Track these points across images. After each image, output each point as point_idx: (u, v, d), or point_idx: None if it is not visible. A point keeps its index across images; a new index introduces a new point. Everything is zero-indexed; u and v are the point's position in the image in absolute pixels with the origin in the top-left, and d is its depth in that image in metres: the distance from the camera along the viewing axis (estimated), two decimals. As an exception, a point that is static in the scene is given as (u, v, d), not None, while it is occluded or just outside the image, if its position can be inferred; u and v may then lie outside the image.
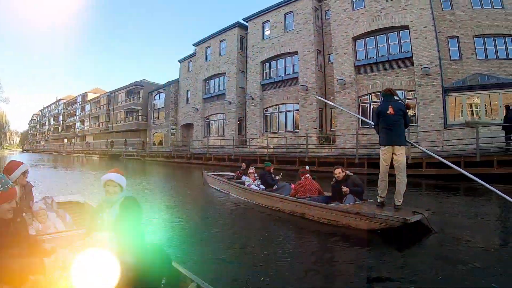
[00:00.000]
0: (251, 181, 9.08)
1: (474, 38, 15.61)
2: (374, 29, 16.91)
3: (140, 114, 38.34)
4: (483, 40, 15.55)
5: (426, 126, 14.77)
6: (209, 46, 27.87)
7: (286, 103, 21.68)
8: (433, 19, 15.22)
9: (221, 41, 26.71)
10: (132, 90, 40.60)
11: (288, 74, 21.48)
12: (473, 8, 15.78)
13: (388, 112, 5.38)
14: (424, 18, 15.33)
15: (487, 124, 13.38)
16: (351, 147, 15.73)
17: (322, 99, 11.89)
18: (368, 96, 17.51)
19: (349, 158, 14.31)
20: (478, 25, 15.58)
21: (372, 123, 6.09)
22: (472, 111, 15.04)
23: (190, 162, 23.61)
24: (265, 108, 22.88)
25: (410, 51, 15.72)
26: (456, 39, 15.88)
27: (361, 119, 15.80)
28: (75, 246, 2.17)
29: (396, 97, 5.63)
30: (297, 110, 20.69)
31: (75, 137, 55.18)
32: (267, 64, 22.97)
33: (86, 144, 47.26)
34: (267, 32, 22.75)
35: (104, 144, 40.75)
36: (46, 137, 71.08)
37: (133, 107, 39.12)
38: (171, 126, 32.26)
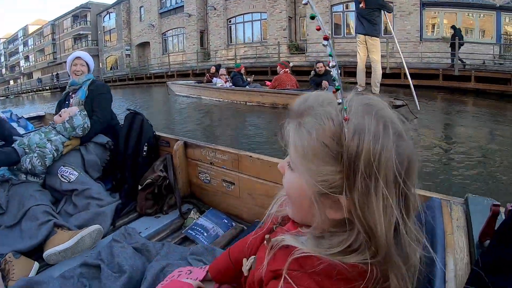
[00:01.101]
0: (223, 82, 8.92)
1: None
2: None
3: (89, 39, 33.95)
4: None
5: (403, 38, 14.31)
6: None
7: (252, 12, 20.11)
8: None
9: None
10: (78, 14, 35.34)
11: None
12: None
13: (360, 6, 5.91)
14: None
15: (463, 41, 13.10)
16: (324, 56, 15.15)
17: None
18: (342, 5, 16.64)
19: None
20: None
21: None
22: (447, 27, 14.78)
23: (150, 82, 21.64)
24: (229, 19, 21.13)
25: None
26: None
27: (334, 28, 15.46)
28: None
29: None
30: (265, 19, 19.33)
31: (22, 76, 48.51)
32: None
33: (38, 80, 41.64)
34: None
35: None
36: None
37: (81, 32, 34.24)
38: (125, 47, 29.27)
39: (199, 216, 1.83)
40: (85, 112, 2.17)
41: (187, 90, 9.99)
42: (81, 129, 2.09)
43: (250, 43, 20.23)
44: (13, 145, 1.93)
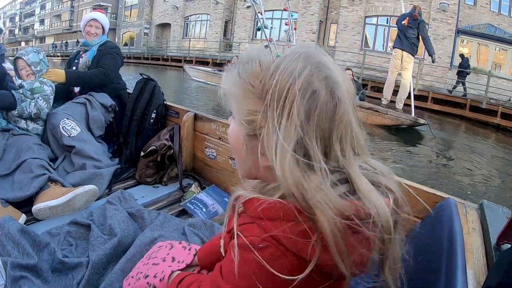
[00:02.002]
0: None
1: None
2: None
3: (109, 11, 32.97)
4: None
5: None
6: None
7: (282, 10, 19.85)
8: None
9: None
10: None
11: (289, -23, 19.19)
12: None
13: (403, 22, 6.02)
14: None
15: (493, 75, 12.59)
16: (351, 65, 14.95)
17: None
18: (376, 18, 16.41)
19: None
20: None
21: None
22: (479, 58, 14.99)
23: (166, 65, 21.14)
24: (258, 12, 20.81)
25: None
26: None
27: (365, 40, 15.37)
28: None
29: (419, 19, 6.06)
30: (295, 19, 18.99)
31: (34, 39, 47.74)
32: (267, -36, 20.39)
33: (52, 45, 40.97)
34: None
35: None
36: (1, 41, 61.89)
37: (101, 3, 33.33)
38: (145, 25, 28.93)
39: (199, 191, 1.76)
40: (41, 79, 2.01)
41: (206, 77, 9.94)
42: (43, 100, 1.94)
43: (276, 40, 19.80)
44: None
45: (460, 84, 11.86)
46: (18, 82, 1.99)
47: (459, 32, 14.53)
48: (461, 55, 12.60)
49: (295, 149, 0.46)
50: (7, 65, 2.70)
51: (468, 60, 12.34)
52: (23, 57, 2.00)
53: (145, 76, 2.18)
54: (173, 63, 20.89)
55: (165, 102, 2.17)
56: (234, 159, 1.74)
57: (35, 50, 2.07)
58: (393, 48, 6.40)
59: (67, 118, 1.87)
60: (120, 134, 2.13)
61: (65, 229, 1.24)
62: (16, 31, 55.15)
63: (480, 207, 0.90)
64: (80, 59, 2.30)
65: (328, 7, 18.39)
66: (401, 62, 6.17)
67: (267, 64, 0.51)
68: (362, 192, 0.47)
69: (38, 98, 1.85)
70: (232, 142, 0.59)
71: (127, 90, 2.42)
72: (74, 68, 2.28)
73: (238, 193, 0.55)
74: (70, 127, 1.84)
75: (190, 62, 19.24)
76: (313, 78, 0.47)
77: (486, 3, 15.01)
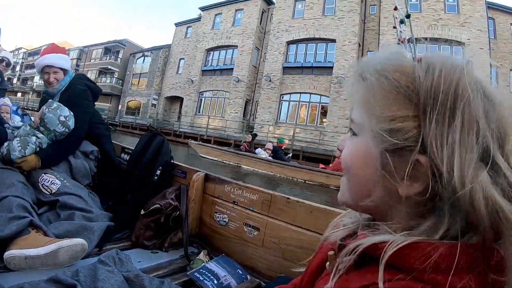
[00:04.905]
0: (267, 155, 9.05)
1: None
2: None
3: (115, 76, 32.25)
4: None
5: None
6: (220, 13, 23.93)
7: (311, 93, 18.60)
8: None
9: (236, 10, 23.00)
10: (112, 48, 34.08)
11: (319, 61, 18.36)
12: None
13: None
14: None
15: None
16: None
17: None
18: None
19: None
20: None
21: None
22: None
23: (178, 141, 18.50)
24: (282, 94, 19.59)
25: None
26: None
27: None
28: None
29: None
30: (326, 103, 17.74)
31: (31, 92, 46.08)
32: (293, 46, 19.66)
33: None
34: (299, 11, 19.65)
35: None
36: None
37: (109, 67, 32.36)
38: (154, 96, 27.51)
39: (208, 260, 1.53)
40: (56, 104, 1.83)
41: (220, 155, 9.93)
42: (60, 125, 1.80)
43: (304, 125, 18.29)
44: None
45: None
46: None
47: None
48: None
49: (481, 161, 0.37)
50: (6, 99, 3.05)
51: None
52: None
53: (153, 129, 2.10)
54: (186, 140, 18.54)
55: (172, 160, 2.02)
56: (250, 225, 1.55)
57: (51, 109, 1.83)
58: None
59: (45, 173, 1.69)
60: (117, 189, 1.94)
61: (41, 286, 1.00)
62: (15, 80, 52.85)
63: None
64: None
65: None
66: None
67: (409, 61, 0.43)
68: None
69: (16, 139, 1.68)
70: (355, 163, 0.47)
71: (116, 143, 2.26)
72: None
73: (369, 240, 0.41)
74: (49, 183, 1.66)
75: (208, 141, 16.92)
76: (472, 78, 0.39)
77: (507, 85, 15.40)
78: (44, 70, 2.00)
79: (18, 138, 1.68)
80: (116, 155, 2.13)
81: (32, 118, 2.30)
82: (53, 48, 2.07)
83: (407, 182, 0.39)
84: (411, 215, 0.41)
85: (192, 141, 11.31)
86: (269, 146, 9.42)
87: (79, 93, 1.99)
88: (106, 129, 2.19)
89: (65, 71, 2.06)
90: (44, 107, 1.81)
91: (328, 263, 0.50)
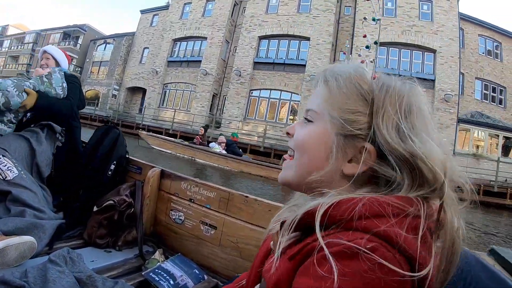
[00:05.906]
0: (221, 149, 9.07)
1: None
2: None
3: (74, 63, 29.65)
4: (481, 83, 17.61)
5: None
6: (190, 3, 23.10)
7: (282, 90, 18.17)
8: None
9: (207, 1, 22.32)
10: (70, 33, 31.63)
11: (291, 58, 18.33)
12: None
13: None
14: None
15: (491, 159, 14.55)
16: None
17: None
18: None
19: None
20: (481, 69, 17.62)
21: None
22: (477, 145, 16.54)
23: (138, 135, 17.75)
24: (252, 90, 18.90)
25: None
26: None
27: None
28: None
29: None
30: (297, 101, 17.36)
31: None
32: (265, 41, 19.27)
33: None
34: (273, 6, 19.23)
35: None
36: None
37: (68, 53, 30.06)
38: (114, 86, 25.73)
39: (164, 260, 1.48)
40: (61, 75, 1.97)
41: (173, 148, 9.93)
42: (61, 88, 1.88)
43: (273, 122, 17.70)
44: None
45: None
46: None
47: (459, 120, 15.73)
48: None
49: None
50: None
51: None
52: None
53: (109, 123, 2.07)
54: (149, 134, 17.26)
55: (127, 155, 1.97)
56: (207, 224, 1.52)
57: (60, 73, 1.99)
58: None
59: (3, 155, 1.53)
60: (69, 183, 1.86)
61: (-17, 288, 0.95)
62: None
63: (491, 251, 0.83)
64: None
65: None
66: None
67: (368, 76, 0.55)
68: None
69: (9, 87, 1.61)
70: (309, 144, 0.55)
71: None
72: None
73: (311, 204, 0.47)
74: (5, 167, 1.50)
75: (174, 136, 16.11)
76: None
77: (472, 92, 17.34)
78: (42, 58, 2.18)
79: (11, 85, 1.61)
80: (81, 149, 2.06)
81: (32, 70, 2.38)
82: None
83: (347, 165, 0.50)
84: (351, 187, 0.49)
85: (143, 132, 11.07)
86: (222, 139, 9.48)
87: (72, 75, 2.13)
88: (78, 121, 2.17)
89: (57, 62, 2.19)
90: (53, 67, 1.98)
91: (272, 242, 0.56)
